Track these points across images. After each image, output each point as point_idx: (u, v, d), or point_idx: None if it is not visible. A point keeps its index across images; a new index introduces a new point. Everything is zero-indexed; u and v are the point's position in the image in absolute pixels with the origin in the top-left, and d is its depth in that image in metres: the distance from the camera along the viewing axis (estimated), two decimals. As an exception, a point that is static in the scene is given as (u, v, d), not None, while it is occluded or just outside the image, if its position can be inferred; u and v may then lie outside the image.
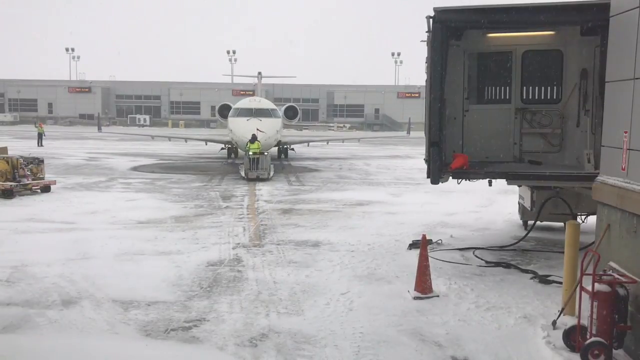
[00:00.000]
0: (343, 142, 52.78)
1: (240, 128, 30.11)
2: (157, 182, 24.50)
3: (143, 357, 7.36)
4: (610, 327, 6.82)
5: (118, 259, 11.62)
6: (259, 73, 54.45)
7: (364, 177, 27.39)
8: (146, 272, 10.72)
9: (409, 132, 60.21)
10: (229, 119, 33.61)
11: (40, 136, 45.75)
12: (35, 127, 48.14)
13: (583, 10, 10.23)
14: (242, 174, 26.59)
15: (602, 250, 7.63)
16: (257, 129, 28.53)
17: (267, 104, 34.39)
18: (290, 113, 46.13)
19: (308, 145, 45.72)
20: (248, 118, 30.53)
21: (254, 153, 25.89)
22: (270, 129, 29.94)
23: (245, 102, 34.32)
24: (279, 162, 35.70)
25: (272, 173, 26.66)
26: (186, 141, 44.46)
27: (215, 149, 39.46)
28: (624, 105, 7.47)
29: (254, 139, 27.02)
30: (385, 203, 19.41)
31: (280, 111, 43.82)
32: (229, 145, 36.19)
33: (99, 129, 56.06)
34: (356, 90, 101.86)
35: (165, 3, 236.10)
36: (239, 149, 29.36)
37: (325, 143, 49.40)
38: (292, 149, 39.60)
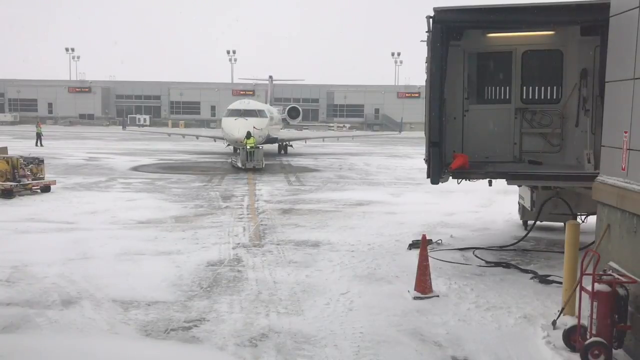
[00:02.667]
0: (338, 139, 57.37)
1: (229, 126, 34.17)
2: (157, 182, 24.50)
3: (143, 357, 7.37)
4: (610, 327, 6.82)
5: (118, 259, 11.62)
6: (270, 77, 59.37)
7: (364, 177, 27.40)
8: (146, 272, 10.72)
9: (400, 131, 64.36)
10: (222, 118, 37.21)
11: (38, 136, 45.84)
12: (36, 127, 48.33)
13: (583, 10, 10.23)
14: (239, 164, 30.21)
15: (602, 250, 7.62)
16: (254, 127, 32.72)
17: (255, 105, 38.50)
18: (294, 113, 52.73)
19: (305, 143, 48.59)
20: (236, 118, 34.31)
21: (251, 147, 29.64)
22: (257, 127, 34.14)
23: (236, 104, 38.09)
24: (279, 161, 36.29)
25: (264, 164, 30.20)
26: (197, 138, 49.61)
27: (222, 145, 41.43)
28: (624, 105, 7.47)
29: (249, 135, 30.61)
30: (385, 203, 19.40)
31: (283, 112, 50.11)
32: None
33: (124, 127, 60.04)
34: (356, 90, 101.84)
35: (165, 3, 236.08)
36: (243, 145, 33.37)
37: (322, 140, 53.35)
38: (291, 146, 43.71)
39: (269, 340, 7.63)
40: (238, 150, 38.60)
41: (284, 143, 42.76)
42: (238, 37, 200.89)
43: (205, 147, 46.55)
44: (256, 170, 28.97)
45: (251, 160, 29.32)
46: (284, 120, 51.85)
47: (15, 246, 12.57)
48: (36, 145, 43.88)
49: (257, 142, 32.22)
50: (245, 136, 30.56)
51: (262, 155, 30.26)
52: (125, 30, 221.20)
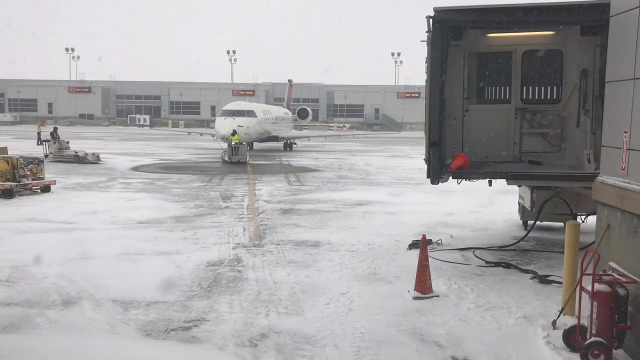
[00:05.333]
0: (339, 138, 62.67)
1: (218, 125, 38.63)
2: (157, 182, 24.49)
3: (143, 357, 7.37)
4: (610, 327, 6.82)
5: (118, 259, 11.61)
6: (289, 80, 64.54)
7: (364, 177, 27.40)
8: (146, 272, 10.72)
9: (400, 131, 67.78)
10: (216, 118, 41.84)
11: (39, 135, 46.35)
12: (37, 127, 49.60)
13: (583, 10, 10.23)
14: (226, 158, 34.04)
15: (602, 250, 7.63)
16: (238, 125, 36.73)
17: (245, 106, 42.75)
18: (303, 114, 59.37)
19: (309, 140, 54.09)
20: (225, 117, 38.61)
21: (235, 143, 33.72)
22: (243, 125, 38.29)
23: (229, 105, 42.41)
24: (279, 161, 36.57)
25: (248, 158, 34.15)
26: (213, 136, 52.08)
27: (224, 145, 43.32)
28: (624, 105, 7.47)
29: (234, 132, 34.80)
30: (385, 203, 19.40)
31: (291, 112, 56.74)
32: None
33: (151, 127, 71.08)
34: (356, 90, 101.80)
35: (165, 3, 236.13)
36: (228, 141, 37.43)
37: (324, 139, 58.90)
38: (295, 144, 48.66)
39: (269, 340, 7.63)
40: (249, 146, 44.03)
41: (289, 141, 47.40)
42: (238, 37, 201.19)
43: (205, 146, 46.63)
44: (240, 163, 32.94)
45: (236, 154, 33.49)
46: (294, 120, 57.16)
47: (15, 246, 12.57)
48: (38, 144, 44.37)
49: (244, 139, 36.55)
50: (231, 133, 34.64)
51: (246, 151, 34.44)
52: (125, 30, 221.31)
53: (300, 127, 59.93)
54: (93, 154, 32.38)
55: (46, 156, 31.82)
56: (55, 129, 34.89)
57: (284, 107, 59.59)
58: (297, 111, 59.69)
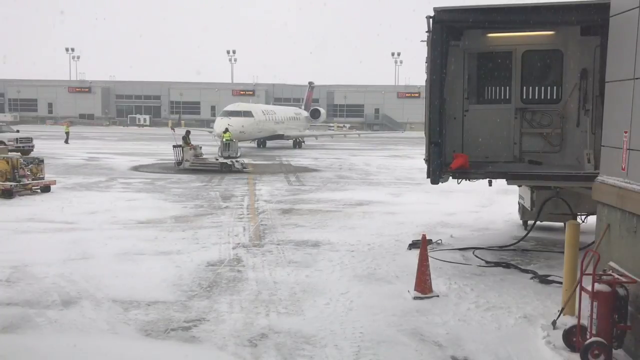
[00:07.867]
0: (345, 136, 67.44)
1: (215, 124, 42.62)
2: (157, 182, 24.50)
3: (143, 357, 7.37)
4: (610, 327, 6.83)
5: (118, 259, 11.61)
6: (310, 83, 67.96)
7: (364, 177, 27.40)
8: (146, 272, 10.72)
9: (403, 130, 70.32)
10: (215, 118, 46.38)
11: (68, 135, 49.58)
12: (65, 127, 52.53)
13: (583, 10, 10.24)
14: (219, 154, 35.11)
15: (602, 250, 7.63)
16: (229, 124, 39.71)
17: (243, 107, 46.28)
18: (316, 114, 63.72)
19: (316, 139, 58.12)
20: (222, 117, 42.40)
21: (227, 140, 35.32)
22: (237, 124, 41.31)
23: (229, 106, 46.25)
24: (279, 161, 36.77)
25: (239, 154, 34.97)
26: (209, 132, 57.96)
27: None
28: (624, 105, 7.47)
29: (226, 130, 37.30)
30: (385, 203, 19.40)
31: (306, 113, 61.42)
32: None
33: (178, 123, 74.32)
34: (356, 90, 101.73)
35: (165, 3, 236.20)
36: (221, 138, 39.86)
37: (330, 137, 63.67)
38: (304, 141, 52.57)
39: (269, 340, 7.63)
40: (261, 145, 49.65)
41: (297, 139, 51.35)
42: (238, 37, 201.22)
43: (205, 145, 46.63)
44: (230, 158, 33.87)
45: (227, 150, 34.25)
46: (308, 120, 61.43)
47: (15, 246, 12.57)
48: (66, 142, 47.79)
49: (239, 137, 39.37)
50: (223, 131, 37.08)
51: (237, 147, 36.06)
52: (125, 30, 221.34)
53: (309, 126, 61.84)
54: (237, 160, 30.32)
55: (179, 163, 29.49)
56: (188, 132, 30.75)
57: (302, 108, 63.35)
58: (310, 111, 63.13)
